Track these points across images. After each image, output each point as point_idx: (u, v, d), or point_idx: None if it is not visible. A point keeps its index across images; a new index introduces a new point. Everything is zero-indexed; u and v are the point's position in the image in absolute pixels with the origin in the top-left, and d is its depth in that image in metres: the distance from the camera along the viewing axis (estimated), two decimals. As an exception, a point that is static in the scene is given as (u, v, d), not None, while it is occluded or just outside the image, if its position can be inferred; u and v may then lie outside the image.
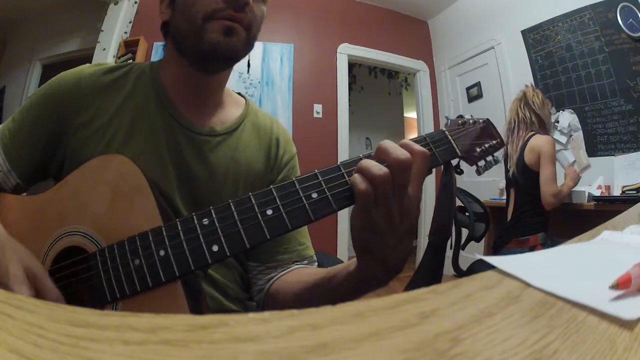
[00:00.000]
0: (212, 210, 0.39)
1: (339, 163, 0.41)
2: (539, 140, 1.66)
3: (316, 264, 0.64)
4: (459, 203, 1.65)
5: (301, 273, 0.58)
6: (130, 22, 2.64)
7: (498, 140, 0.55)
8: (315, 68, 3.09)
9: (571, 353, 0.16)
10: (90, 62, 0.63)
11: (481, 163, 0.53)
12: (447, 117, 0.56)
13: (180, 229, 0.39)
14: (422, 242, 3.35)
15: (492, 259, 0.28)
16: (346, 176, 0.40)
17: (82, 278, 0.42)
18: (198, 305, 0.41)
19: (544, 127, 1.77)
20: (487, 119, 0.56)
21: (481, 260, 0.31)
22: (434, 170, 0.48)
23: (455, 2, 3.34)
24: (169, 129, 0.56)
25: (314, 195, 0.39)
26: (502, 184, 2.75)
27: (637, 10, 2.15)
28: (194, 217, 0.39)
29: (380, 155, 0.38)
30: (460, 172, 0.53)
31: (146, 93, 0.58)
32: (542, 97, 1.77)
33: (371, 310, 0.19)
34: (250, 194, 0.39)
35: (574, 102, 2.45)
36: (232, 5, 0.51)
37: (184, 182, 0.56)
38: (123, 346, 0.14)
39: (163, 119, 0.57)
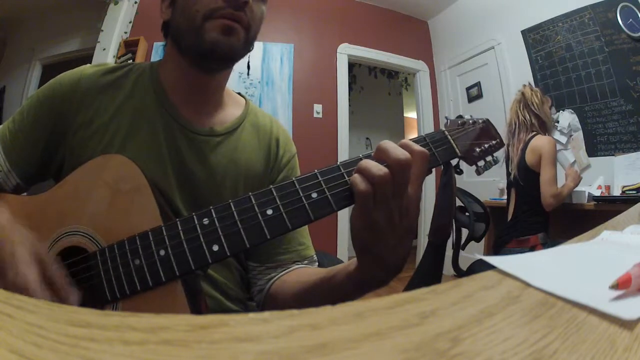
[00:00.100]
0: (212, 210, 0.39)
1: (338, 163, 0.41)
2: (539, 141, 1.66)
3: (316, 264, 0.64)
4: (459, 203, 1.65)
5: (301, 273, 0.58)
6: (130, 22, 2.64)
7: (498, 140, 0.55)
8: (315, 68, 3.09)
9: (571, 353, 0.16)
10: (90, 62, 0.63)
11: (481, 163, 0.53)
12: (446, 117, 0.56)
13: (180, 228, 0.39)
14: (422, 241, 3.35)
15: (492, 259, 0.28)
16: (346, 176, 0.40)
17: (82, 278, 0.42)
18: (197, 305, 0.41)
19: (545, 127, 1.77)
20: (487, 119, 0.56)
21: (481, 260, 0.31)
22: (433, 170, 0.48)
23: (455, 2, 3.34)
24: (169, 129, 0.56)
25: (314, 195, 0.39)
26: (502, 184, 2.75)
27: (637, 10, 2.15)
28: (194, 217, 0.39)
29: (380, 156, 0.38)
30: (460, 172, 0.53)
31: (146, 93, 0.58)
32: (540, 95, 1.77)
33: (371, 310, 0.19)
34: (250, 193, 0.39)
35: (574, 102, 2.45)
36: (231, 5, 0.51)
37: (183, 182, 0.56)
38: (123, 346, 0.15)
39: (163, 119, 0.57)
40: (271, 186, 0.40)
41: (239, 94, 0.69)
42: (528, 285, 0.24)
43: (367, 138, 4.87)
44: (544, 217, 1.69)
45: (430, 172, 0.44)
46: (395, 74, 4.43)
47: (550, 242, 1.64)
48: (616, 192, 2.05)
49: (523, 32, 2.73)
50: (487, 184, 2.80)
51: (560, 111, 2.49)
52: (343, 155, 3.04)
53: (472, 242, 1.59)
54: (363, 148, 4.73)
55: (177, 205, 0.55)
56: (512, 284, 0.24)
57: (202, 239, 0.38)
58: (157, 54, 2.62)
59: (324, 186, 0.40)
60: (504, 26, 2.88)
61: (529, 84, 1.89)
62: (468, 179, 2.78)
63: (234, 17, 0.52)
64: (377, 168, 0.37)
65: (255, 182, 0.61)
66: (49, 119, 0.55)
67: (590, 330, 0.18)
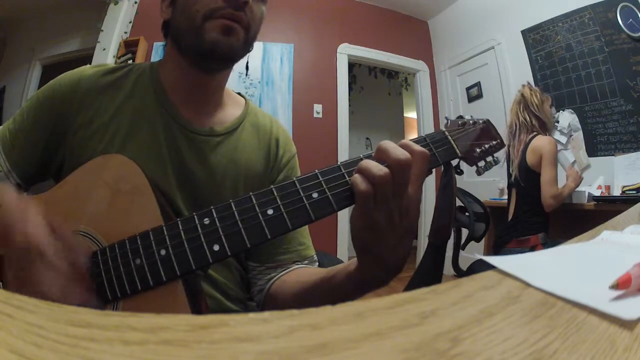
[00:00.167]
0: (213, 210, 0.39)
1: (339, 163, 0.41)
2: (540, 141, 1.66)
3: (317, 264, 0.64)
4: (459, 203, 1.65)
5: (301, 273, 0.58)
6: (130, 22, 2.64)
7: (498, 140, 0.55)
8: (315, 68, 3.09)
9: (571, 353, 0.16)
10: (90, 62, 0.63)
11: (481, 163, 0.53)
12: (447, 118, 0.56)
13: (181, 228, 0.39)
14: (422, 242, 3.35)
15: (492, 259, 0.28)
16: (346, 176, 0.40)
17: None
18: (198, 305, 0.41)
19: (545, 127, 1.76)
20: (487, 120, 0.56)
21: (481, 260, 0.31)
22: (434, 170, 0.48)
23: (455, 2, 3.34)
24: (169, 129, 0.56)
25: (315, 195, 0.39)
26: (502, 184, 2.75)
27: (637, 10, 2.15)
28: (195, 216, 0.39)
29: (381, 156, 0.38)
30: (460, 173, 0.53)
31: (146, 93, 0.58)
32: (540, 95, 1.76)
33: (371, 310, 0.19)
34: (251, 193, 0.39)
35: (574, 102, 2.45)
36: (231, 5, 0.51)
37: (183, 182, 0.56)
38: (123, 346, 0.15)
39: (163, 119, 0.57)
40: (272, 186, 0.40)
41: (238, 94, 0.69)
42: (528, 285, 0.24)
43: (367, 138, 4.87)
44: (545, 217, 1.69)
45: (431, 172, 0.44)
46: (395, 74, 4.43)
47: (551, 242, 1.64)
48: (616, 192, 2.05)
49: (523, 32, 2.74)
50: (487, 184, 2.80)
51: (560, 111, 2.49)
52: (343, 155, 3.04)
53: (472, 242, 1.59)
54: (363, 148, 4.73)
55: (178, 205, 0.55)
56: (512, 284, 0.24)
57: (203, 239, 0.38)
58: (157, 54, 2.62)
59: (325, 186, 0.40)
60: (504, 26, 2.88)
61: (528, 83, 1.88)
62: (468, 179, 2.77)
63: (234, 17, 0.52)
64: (377, 168, 0.37)
65: (255, 182, 0.61)
66: (49, 120, 0.55)
67: (590, 330, 0.18)
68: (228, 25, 0.51)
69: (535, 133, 1.72)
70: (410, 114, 5.14)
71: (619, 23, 2.19)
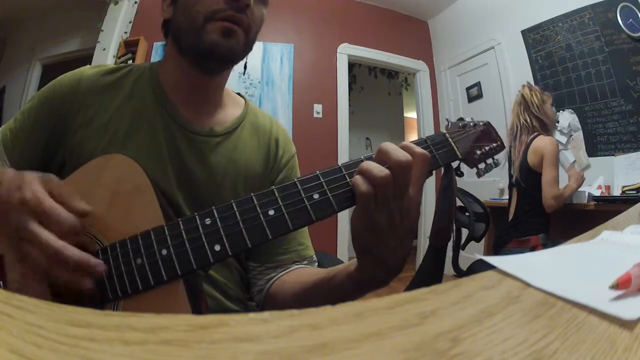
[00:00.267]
0: (214, 210, 0.39)
1: (340, 164, 0.41)
2: (541, 142, 1.66)
3: (316, 264, 0.64)
4: (459, 203, 1.65)
5: (301, 273, 0.58)
6: (130, 22, 2.64)
7: (498, 142, 0.55)
8: (315, 68, 3.09)
9: (571, 353, 0.16)
10: (90, 62, 0.63)
11: (481, 165, 0.53)
12: (447, 120, 0.56)
13: (182, 228, 0.39)
14: (423, 242, 3.35)
15: (492, 259, 0.28)
16: (347, 177, 0.40)
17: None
18: (198, 305, 0.41)
19: (547, 128, 1.76)
20: (488, 122, 0.56)
21: (481, 260, 0.31)
22: (434, 172, 0.48)
23: (455, 2, 3.34)
24: (168, 129, 0.56)
25: (316, 196, 0.39)
26: (502, 184, 2.76)
27: (637, 10, 2.15)
28: (196, 216, 0.39)
29: (381, 157, 0.38)
30: (461, 175, 0.53)
31: (145, 94, 0.58)
32: (540, 95, 1.76)
33: (371, 310, 0.19)
34: (252, 194, 0.39)
35: (574, 102, 2.45)
36: (233, 7, 0.51)
37: (183, 182, 0.56)
38: (123, 346, 0.15)
39: (162, 119, 0.57)
40: (273, 187, 0.40)
41: (238, 94, 0.69)
42: (528, 285, 0.24)
43: (367, 138, 4.87)
44: (546, 218, 1.69)
45: (431, 174, 0.44)
46: (395, 74, 4.43)
47: (551, 243, 1.64)
48: (616, 192, 2.05)
49: (523, 32, 2.74)
50: (487, 184, 2.80)
51: (560, 111, 2.49)
52: (343, 155, 3.04)
53: (472, 242, 1.59)
54: (363, 148, 4.74)
55: (178, 205, 0.55)
56: (512, 284, 0.24)
57: (204, 239, 0.38)
58: (157, 54, 2.62)
59: (326, 187, 0.40)
60: (504, 26, 2.88)
61: (528, 83, 1.88)
62: (468, 179, 2.77)
63: (235, 19, 0.52)
64: (378, 169, 0.37)
65: (254, 182, 0.61)
66: (49, 120, 0.55)
67: (590, 330, 0.18)
68: (229, 27, 0.51)
69: (536, 133, 1.72)
70: (410, 114, 5.14)
71: (619, 23, 2.20)
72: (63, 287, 0.37)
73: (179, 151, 0.56)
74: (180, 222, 0.40)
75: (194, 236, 0.39)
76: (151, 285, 0.38)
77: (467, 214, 1.60)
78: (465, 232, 1.60)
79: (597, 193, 2.08)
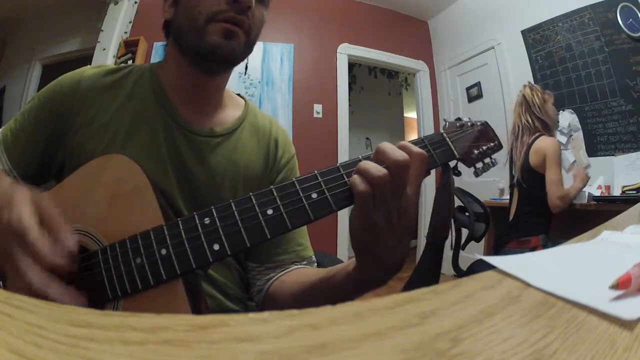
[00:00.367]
0: (213, 210, 0.39)
1: (338, 164, 0.41)
2: (543, 142, 1.65)
3: (315, 264, 0.64)
4: (459, 203, 1.65)
5: (300, 273, 0.59)
6: (130, 22, 2.64)
7: (496, 142, 0.55)
8: (315, 68, 3.09)
9: (571, 353, 0.16)
10: (90, 62, 0.63)
11: (479, 165, 0.53)
12: (445, 120, 0.56)
13: (181, 228, 0.39)
14: (422, 242, 3.35)
15: (492, 259, 0.28)
16: (345, 177, 0.40)
17: (83, 276, 0.42)
18: (198, 305, 0.41)
19: (548, 128, 1.75)
20: (485, 122, 0.56)
21: (481, 260, 0.31)
22: (434, 172, 0.48)
23: (455, 2, 3.34)
24: (168, 130, 0.56)
25: (314, 196, 0.39)
26: (502, 184, 2.76)
27: (637, 10, 2.15)
28: (195, 216, 0.39)
29: (379, 157, 0.39)
30: (459, 174, 0.53)
31: (146, 94, 0.58)
32: (541, 94, 1.75)
33: (371, 310, 0.19)
34: (250, 193, 0.40)
35: (574, 102, 2.45)
36: (234, 8, 0.51)
37: (183, 183, 0.56)
38: (123, 346, 0.15)
39: (162, 119, 0.57)
40: (272, 186, 0.40)
41: (238, 94, 0.69)
42: (528, 285, 0.24)
43: (367, 138, 4.87)
44: (546, 218, 1.69)
45: (429, 173, 0.45)
46: (395, 74, 4.43)
47: (551, 244, 1.63)
48: (616, 192, 2.05)
49: (523, 32, 2.74)
50: (487, 184, 2.80)
51: (560, 111, 2.49)
52: (343, 155, 3.04)
53: (472, 242, 1.59)
54: (363, 148, 4.73)
55: (178, 205, 0.55)
56: (512, 284, 0.24)
57: (203, 238, 0.38)
58: (157, 54, 2.62)
59: (324, 187, 0.40)
60: (504, 26, 2.88)
61: (529, 83, 1.87)
62: (468, 179, 2.77)
63: (236, 20, 0.52)
64: (376, 169, 0.37)
65: (254, 183, 0.61)
66: (49, 121, 0.55)
67: (590, 330, 0.18)
68: (230, 29, 0.52)
69: (538, 134, 1.71)
70: (410, 114, 5.14)
71: (619, 23, 2.20)
72: None
73: (179, 151, 0.56)
74: (179, 221, 0.40)
75: (193, 236, 0.39)
76: (151, 284, 0.38)
77: (467, 214, 1.60)
78: (465, 232, 1.60)
79: (597, 193, 2.08)
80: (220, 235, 0.38)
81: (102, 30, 2.54)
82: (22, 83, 3.17)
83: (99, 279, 0.40)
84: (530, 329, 0.18)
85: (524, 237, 1.68)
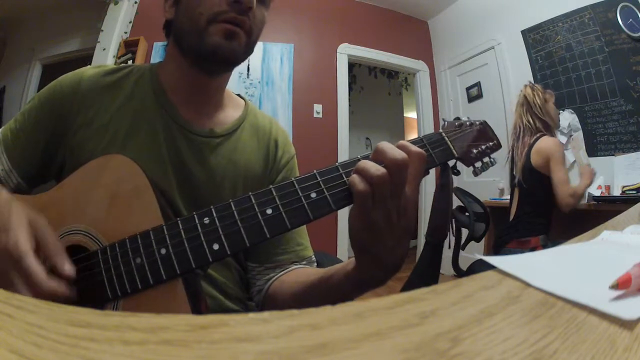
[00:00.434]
0: (212, 210, 0.39)
1: (337, 164, 0.41)
2: (545, 143, 1.64)
3: (315, 264, 0.64)
4: (459, 203, 1.65)
5: (300, 273, 0.59)
6: (130, 22, 2.64)
7: (495, 141, 0.55)
8: (315, 68, 3.09)
9: (571, 353, 0.16)
10: (90, 62, 0.63)
11: (478, 164, 0.53)
12: (444, 119, 0.56)
13: (181, 227, 0.39)
14: (422, 242, 3.35)
15: (492, 259, 0.28)
16: (344, 177, 0.40)
17: (83, 276, 0.42)
18: (197, 305, 0.41)
19: (550, 129, 1.75)
20: (484, 121, 0.56)
21: (481, 260, 0.31)
22: (433, 171, 0.48)
23: (455, 2, 3.34)
24: (168, 130, 0.56)
25: (313, 195, 0.39)
26: (502, 184, 2.76)
27: (637, 10, 2.15)
28: (195, 216, 0.39)
29: (378, 156, 0.39)
30: (457, 173, 0.53)
31: (146, 94, 0.58)
32: (542, 94, 1.74)
33: (371, 310, 0.19)
34: (250, 193, 0.40)
35: (574, 102, 2.45)
36: (235, 9, 0.51)
37: (183, 183, 0.56)
38: (123, 346, 0.15)
39: (162, 120, 0.57)
40: (271, 186, 0.40)
41: (238, 95, 0.69)
42: (528, 285, 0.24)
43: (367, 138, 4.87)
44: (546, 218, 1.68)
45: (428, 173, 0.45)
46: (395, 74, 4.43)
47: (551, 244, 1.63)
48: (616, 192, 2.05)
49: (523, 32, 2.73)
50: (487, 184, 2.80)
51: (560, 111, 2.49)
52: (343, 155, 3.04)
53: (472, 242, 1.59)
54: (363, 148, 4.73)
55: (178, 205, 0.55)
56: (512, 284, 0.24)
57: (202, 238, 0.38)
58: (157, 54, 2.62)
59: (323, 186, 0.40)
60: (504, 26, 2.88)
61: (530, 82, 1.87)
62: (468, 179, 2.78)
63: (237, 21, 0.52)
64: (375, 168, 0.37)
65: (254, 183, 0.61)
66: (49, 121, 0.55)
67: (590, 330, 0.18)
68: (231, 30, 0.51)
69: (540, 134, 1.71)
70: (410, 114, 5.14)
71: (619, 23, 2.19)
72: None
73: (179, 152, 0.56)
74: (179, 221, 0.40)
75: (192, 235, 0.39)
76: (150, 284, 0.38)
77: (467, 213, 1.60)
78: (465, 232, 1.60)
79: (597, 193, 2.08)
80: (219, 235, 0.38)
81: (102, 30, 2.54)
82: (22, 83, 3.17)
83: (98, 279, 0.40)
84: (530, 329, 0.18)
85: (524, 237, 1.67)
